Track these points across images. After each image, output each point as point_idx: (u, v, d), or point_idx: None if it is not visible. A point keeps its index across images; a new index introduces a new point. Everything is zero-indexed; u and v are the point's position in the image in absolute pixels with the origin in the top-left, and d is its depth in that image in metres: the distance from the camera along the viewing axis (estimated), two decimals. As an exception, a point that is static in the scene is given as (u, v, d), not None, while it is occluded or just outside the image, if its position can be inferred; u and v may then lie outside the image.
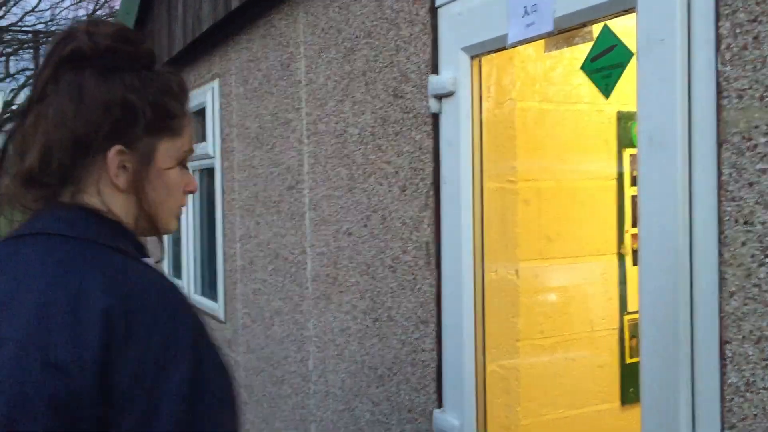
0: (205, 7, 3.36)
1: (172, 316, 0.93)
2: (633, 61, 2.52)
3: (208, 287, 3.87)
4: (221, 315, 3.48)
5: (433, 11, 1.79)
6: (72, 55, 1.02)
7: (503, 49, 1.61)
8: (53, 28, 13.41)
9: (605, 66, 1.40)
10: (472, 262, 1.74)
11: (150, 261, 1.03)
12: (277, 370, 2.84)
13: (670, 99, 1.13)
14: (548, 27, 1.37)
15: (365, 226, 2.15)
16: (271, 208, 2.88)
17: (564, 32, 1.41)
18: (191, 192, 1.15)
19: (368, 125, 2.12)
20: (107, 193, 1.04)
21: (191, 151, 1.14)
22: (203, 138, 3.70)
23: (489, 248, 1.86)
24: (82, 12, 15.08)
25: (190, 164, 3.51)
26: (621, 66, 1.37)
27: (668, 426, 1.14)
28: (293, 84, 2.65)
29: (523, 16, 1.44)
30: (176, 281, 4.35)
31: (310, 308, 2.54)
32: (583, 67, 1.46)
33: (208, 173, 3.78)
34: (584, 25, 1.38)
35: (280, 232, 2.80)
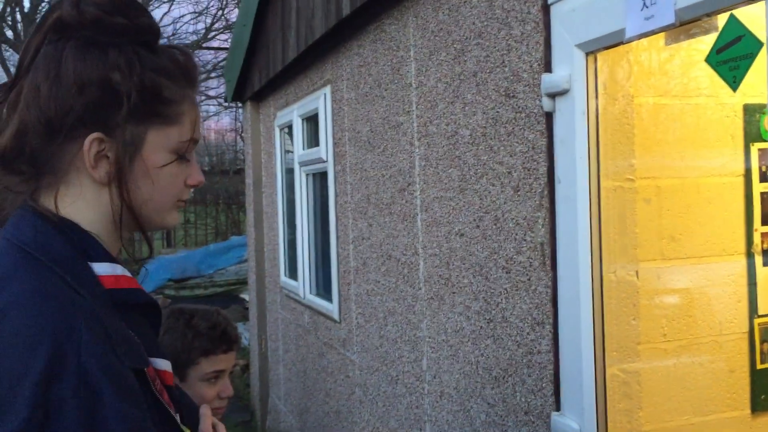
0: (317, 15, 3.46)
1: (30, 346, 0.78)
2: (762, 51, 2.38)
3: (323, 288, 3.97)
4: (336, 315, 3.56)
5: (546, 9, 1.77)
6: (55, 25, 0.90)
7: (620, 44, 1.57)
8: (176, 42, 14.17)
9: (732, 57, 1.34)
10: (589, 263, 1.71)
11: (108, 268, 0.92)
12: (392, 369, 2.88)
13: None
14: (669, 19, 1.33)
15: (478, 227, 2.15)
16: (383, 210, 2.93)
17: (686, 23, 1.36)
18: (195, 185, 1.02)
19: (479, 126, 2.12)
20: (86, 186, 0.92)
21: (194, 140, 1.00)
22: (316, 143, 3.81)
23: (607, 248, 1.82)
24: (201, 26, 15.85)
25: (307, 168, 3.64)
26: (750, 57, 1.30)
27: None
28: (404, 87, 2.68)
29: (641, 9, 1.39)
30: (293, 283, 4.46)
31: (423, 309, 2.56)
32: (708, 60, 1.40)
33: (321, 177, 3.88)
34: (708, 15, 1.32)
35: (392, 234, 2.84)
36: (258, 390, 5.61)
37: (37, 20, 0.96)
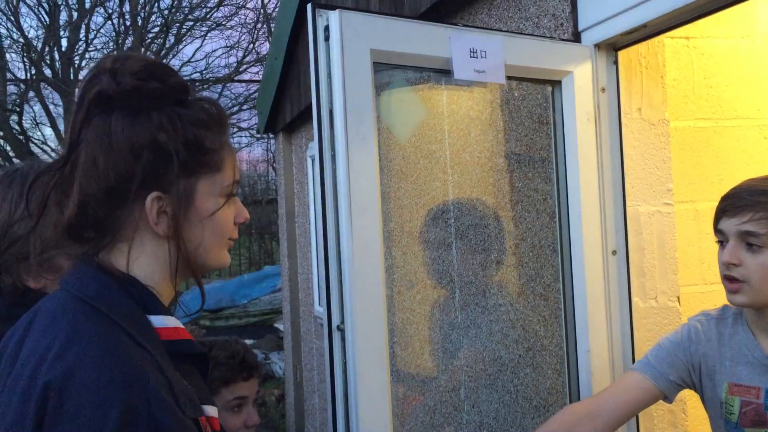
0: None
1: (102, 405, 0.82)
2: None
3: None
4: (371, 344, 3.55)
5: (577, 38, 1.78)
6: (98, 98, 0.95)
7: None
8: (208, 76, 14.45)
9: None
10: (617, 289, 1.69)
11: (164, 320, 0.96)
12: (429, 398, 2.86)
13: None
14: (501, 79, 1.39)
15: (514, 254, 2.14)
16: (417, 239, 2.93)
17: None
18: (243, 223, 1.06)
19: (513, 153, 2.12)
20: (147, 241, 0.97)
21: (237, 181, 1.05)
22: (349, 172, 3.83)
23: (647, 273, 1.80)
24: (232, 59, 16.15)
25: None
26: None
27: None
28: (435, 116, 2.70)
29: (470, 57, 1.47)
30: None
31: (460, 337, 2.55)
32: None
33: (355, 206, 3.89)
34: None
35: (426, 262, 2.83)
36: (294, 420, 5.60)
37: (76, 93, 1.02)
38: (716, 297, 2.26)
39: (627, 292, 1.80)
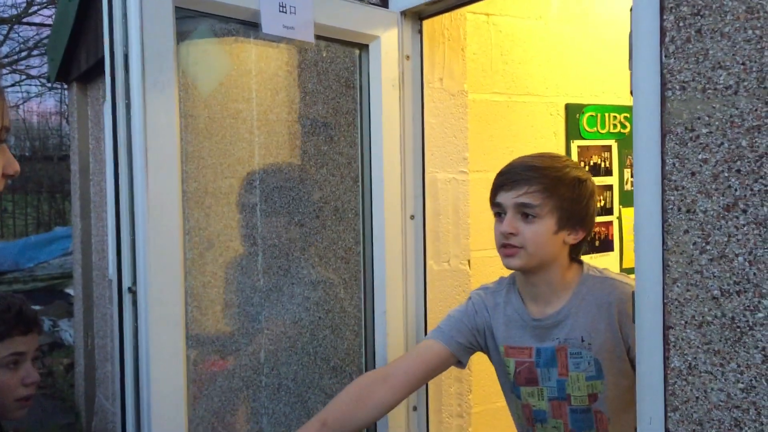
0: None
1: None
2: (592, 53, 2.55)
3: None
4: (170, 309, 3.42)
5: None
6: None
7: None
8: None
9: None
10: (413, 254, 1.75)
11: None
12: (229, 363, 2.81)
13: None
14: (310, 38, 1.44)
15: (317, 217, 2.14)
16: (221, 200, 2.84)
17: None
18: (11, 176, 0.98)
19: (320, 115, 2.11)
20: None
21: (5, 128, 0.97)
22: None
23: (442, 239, 1.88)
24: (21, -2, 14.59)
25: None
26: None
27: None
28: (243, 74, 2.61)
29: (279, 12, 1.50)
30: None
31: (262, 300, 2.52)
32: None
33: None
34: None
35: (230, 224, 2.76)
36: (83, 390, 5.28)
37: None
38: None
39: (423, 256, 1.87)
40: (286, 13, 1.62)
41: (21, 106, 15.89)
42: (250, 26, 1.67)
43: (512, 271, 1.64)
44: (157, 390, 1.39)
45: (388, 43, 1.82)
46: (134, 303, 1.36)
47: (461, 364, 1.65)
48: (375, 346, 1.88)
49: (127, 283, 1.36)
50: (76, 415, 5.53)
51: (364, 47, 1.83)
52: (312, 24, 1.64)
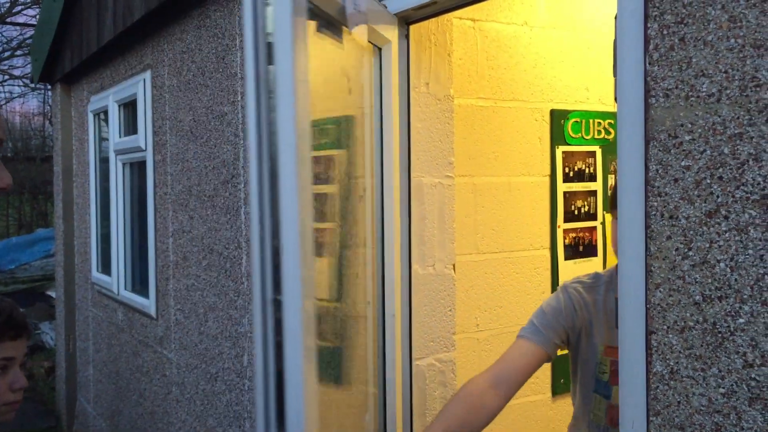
0: (136, -5, 3.27)
1: None
2: (577, 59, 2.57)
3: (139, 284, 3.77)
4: (153, 312, 3.40)
5: None
6: None
7: None
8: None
9: None
10: (396, 259, 1.74)
11: None
12: (211, 366, 2.80)
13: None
14: None
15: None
16: (206, 203, 2.83)
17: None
18: (3, 189, 0.94)
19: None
20: None
21: (0, 141, 0.93)
22: (134, 130, 3.61)
23: (427, 243, 1.87)
24: (4, -2, 14.44)
25: (123, 157, 3.41)
26: None
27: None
28: (229, 77, 2.61)
29: None
30: (106, 278, 4.20)
31: (246, 303, 2.51)
32: None
33: (140, 166, 3.68)
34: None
35: (214, 227, 2.75)
36: (64, 393, 5.23)
37: None
38: (487, 265, 2.44)
39: (407, 259, 1.87)
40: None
41: (3, 107, 15.73)
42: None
43: (607, 268, 1.62)
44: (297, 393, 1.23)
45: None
46: (276, 311, 1.19)
47: (550, 360, 1.68)
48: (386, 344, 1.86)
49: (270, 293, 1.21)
50: (56, 418, 5.47)
51: (376, 50, 1.78)
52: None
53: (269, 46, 1.13)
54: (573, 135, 2.57)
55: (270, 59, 1.13)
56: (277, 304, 1.12)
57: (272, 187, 1.14)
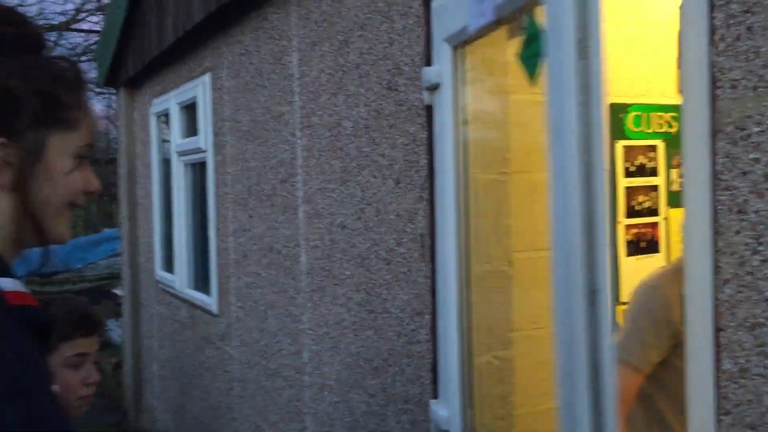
0: (196, 0, 3.35)
1: None
2: (637, 51, 2.50)
3: (201, 281, 3.86)
4: (214, 309, 3.47)
5: (427, 4, 1.80)
6: None
7: (480, 38, 1.61)
8: (41, 23, 13.28)
9: (531, 54, 1.41)
10: (455, 254, 1.73)
11: (9, 283, 0.89)
12: (272, 362, 2.84)
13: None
14: (489, 17, 1.38)
15: (359, 218, 2.15)
16: (264, 202, 2.88)
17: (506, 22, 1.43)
18: (92, 193, 1.00)
19: (362, 118, 2.12)
20: None
21: (91, 146, 1.00)
22: (195, 132, 3.69)
23: (482, 239, 1.87)
24: (70, 6, 14.95)
25: (185, 158, 3.50)
26: (538, 56, 1.38)
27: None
28: (286, 77, 2.64)
29: (475, 5, 1.45)
30: (169, 276, 4.30)
31: (305, 301, 2.54)
32: (518, 54, 1.47)
33: (200, 167, 3.77)
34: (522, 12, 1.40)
35: (273, 226, 2.80)
36: (131, 389, 5.39)
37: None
38: (545, 262, 2.40)
39: (461, 257, 1.86)
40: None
41: (70, 111, 16.24)
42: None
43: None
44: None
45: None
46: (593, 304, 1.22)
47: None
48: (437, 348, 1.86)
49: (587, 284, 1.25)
50: (124, 413, 5.64)
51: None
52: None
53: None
54: (634, 129, 2.51)
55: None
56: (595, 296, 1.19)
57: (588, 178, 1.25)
